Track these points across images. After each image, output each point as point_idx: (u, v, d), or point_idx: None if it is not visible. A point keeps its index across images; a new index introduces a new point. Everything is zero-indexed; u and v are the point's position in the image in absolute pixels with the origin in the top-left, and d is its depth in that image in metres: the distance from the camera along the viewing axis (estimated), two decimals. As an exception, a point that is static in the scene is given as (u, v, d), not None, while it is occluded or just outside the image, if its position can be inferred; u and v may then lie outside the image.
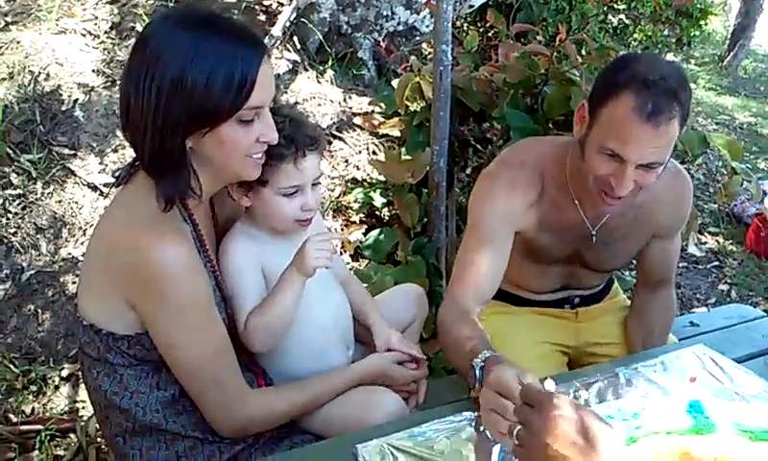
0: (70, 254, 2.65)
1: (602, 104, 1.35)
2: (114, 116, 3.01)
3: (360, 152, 3.47)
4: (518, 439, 0.96)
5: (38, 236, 2.66)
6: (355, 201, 3.21)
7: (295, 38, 3.84)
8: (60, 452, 2.16)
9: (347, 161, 3.41)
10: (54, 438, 2.18)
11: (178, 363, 1.23)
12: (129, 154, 2.60)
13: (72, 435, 2.20)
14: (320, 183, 1.40)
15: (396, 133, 3.42)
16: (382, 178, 3.21)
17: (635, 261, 1.79)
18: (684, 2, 5.11)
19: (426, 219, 2.89)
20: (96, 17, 3.47)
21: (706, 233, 4.47)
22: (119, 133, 2.88)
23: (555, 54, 2.68)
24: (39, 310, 2.51)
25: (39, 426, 2.18)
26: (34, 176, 2.78)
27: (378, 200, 3.16)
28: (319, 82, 3.74)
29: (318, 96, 3.62)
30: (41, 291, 2.55)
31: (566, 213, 1.57)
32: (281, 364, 1.43)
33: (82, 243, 2.69)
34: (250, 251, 1.36)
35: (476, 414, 1.18)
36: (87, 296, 1.24)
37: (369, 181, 3.33)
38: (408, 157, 2.98)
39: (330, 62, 3.88)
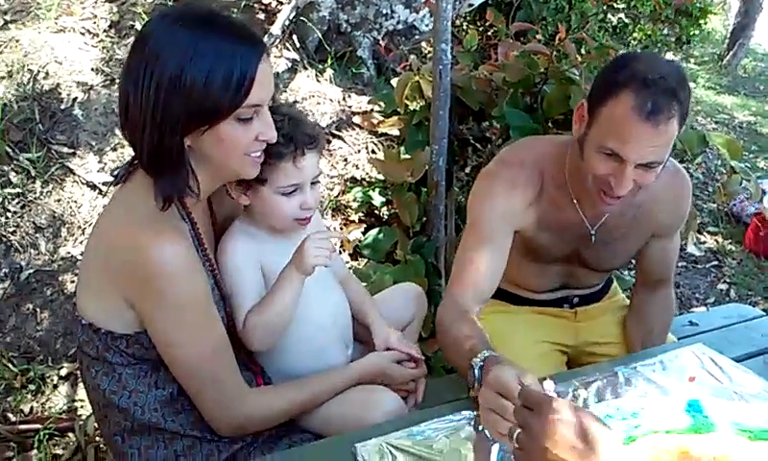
0: (69, 253, 2.65)
1: (601, 103, 1.35)
2: (113, 115, 3.01)
3: (359, 151, 3.47)
4: (518, 442, 0.97)
5: (37, 235, 2.66)
6: (354, 200, 3.21)
7: (294, 37, 3.83)
8: (59, 451, 2.16)
9: (346, 160, 3.41)
10: (52, 437, 2.18)
11: (176, 362, 1.22)
12: (128, 152, 2.60)
13: (71, 434, 2.20)
14: (319, 182, 1.40)
15: (396, 131, 3.42)
16: (381, 177, 3.21)
17: (634, 261, 1.79)
18: (683, 1, 5.11)
19: (425, 218, 2.89)
20: (95, 16, 3.46)
21: (705, 233, 4.47)
22: (118, 131, 2.87)
23: (554, 53, 2.68)
24: (38, 309, 2.51)
25: (38, 426, 2.18)
26: (33, 175, 2.78)
27: (377, 199, 3.16)
28: (318, 80, 3.74)
29: (317, 95, 3.62)
30: (40, 290, 2.55)
31: (565, 212, 1.57)
32: (280, 363, 1.43)
33: (81, 242, 2.68)
34: (248, 249, 1.36)
35: (475, 413, 1.18)
36: (86, 295, 1.24)
37: (368, 180, 3.33)
38: (407, 157, 2.98)
39: (330, 61, 3.88)
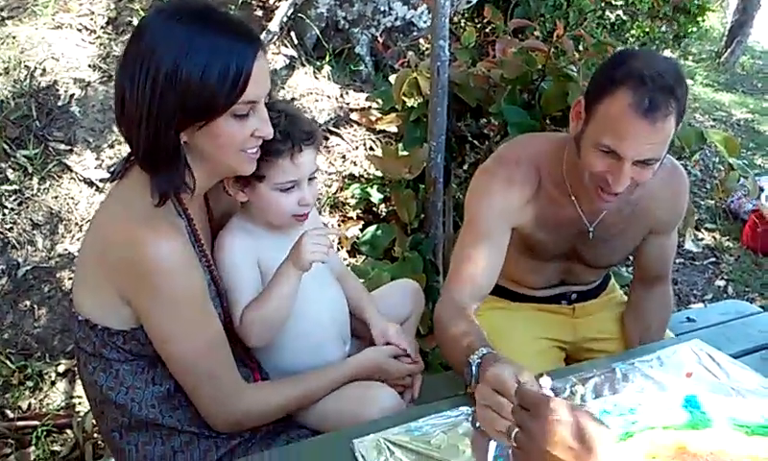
0: (66, 249, 2.65)
1: (598, 100, 1.35)
2: (111, 112, 3.01)
3: (357, 147, 3.47)
4: (516, 441, 0.97)
5: (34, 232, 2.66)
6: (352, 197, 3.21)
7: (292, 34, 3.83)
8: (57, 448, 2.16)
9: (344, 157, 3.41)
10: (50, 434, 2.18)
11: (172, 358, 1.22)
12: (125, 149, 2.61)
13: (68, 431, 2.20)
14: (315, 178, 1.40)
15: (394, 128, 3.42)
16: (379, 173, 3.21)
17: (631, 257, 1.79)
18: (681, -2, 5.11)
19: (423, 215, 2.89)
20: (92, 12, 3.46)
21: (702, 230, 4.48)
22: (115, 128, 2.87)
23: (552, 50, 2.67)
24: (36, 306, 2.50)
25: (36, 422, 2.18)
26: (30, 171, 2.77)
27: (375, 196, 3.16)
28: (316, 77, 3.74)
29: (315, 92, 3.61)
30: (37, 287, 2.55)
31: (563, 209, 1.57)
32: (277, 359, 1.43)
33: (78, 239, 2.68)
34: (246, 245, 1.36)
35: (473, 409, 1.18)
36: (83, 291, 1.24)
37: (366, 176, 3.33)
38: (405, 153, 2.98)
39: (327, 58, 3.87)
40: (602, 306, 1.86)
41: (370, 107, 3.62)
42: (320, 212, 3.10)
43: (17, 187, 2.72)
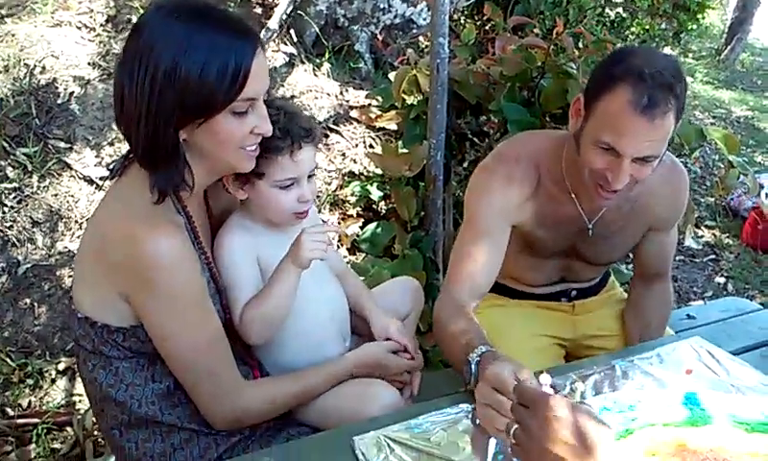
0: (66, 247, 2.65)
1: (597, 97, 1.35)
2: (110, 109, 3.00)
3: (357, 145, 3.46)
4: (516, 438, 0.98)
5: (34, 230, 2.66)
6: (352, 194, 3.21)
7: (291, 31, 3.82)
8: (57, 446, 2.16)
9: (343, 155, 3.41)
10: (50, 431, 2.18)
11: (171, 355, 1.22)
12: (125, 147, 2.61)
13: (69, 428, 2.21)
14: (315, 175, 1.40)
15: (393, 126, 3.42)
16: (379, 171, 3.21)
17: (631, 254, 1.79)
18: (681, -5, 5.11)
19: (423, 212, 2.89)
20: (92, 10, 3.45)
21: (702, 227, 4.48)
22: (115, 126, 2.87)
23: (552, 47, 2.67)
24: (36, 304, 2.50)
25: (36, 420, 2.18)
26: (29, 169, 2.77)
27: (375, 193, 3.16)
28: (315, 75, 3.73)
29: (314, 89, 3.61)
30: (37, 285, 2.55)
31: (563, 207, 1.57)
32: (278, 357, 1.43)
33: (78, 237, 2.68)
34: (245, 243, 1.36)
35: (473, 406, 1.18)
36: (82, 288, 1.24)
37: (366, 174, 3.33)
38: (405, 151, 2.98)
39: (327, 55, 3.87)
40: (602, 304, 1.86)
41: (369, 104, 3.62)
42: (320, 210, 3.10)
43: (17, 185, 2.72)
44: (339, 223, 3.10)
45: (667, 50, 6.62)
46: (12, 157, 2.78)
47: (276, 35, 3.67)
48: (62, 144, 2.89)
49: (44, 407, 2.27)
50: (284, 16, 3.73)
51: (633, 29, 5.95)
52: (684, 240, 4.00)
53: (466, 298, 1.47)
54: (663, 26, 6.17)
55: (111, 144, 2.95)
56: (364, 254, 2.93)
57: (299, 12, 3.82)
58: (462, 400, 1.22)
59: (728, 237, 4.41)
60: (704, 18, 6.72)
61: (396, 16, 4.10)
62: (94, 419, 1.94)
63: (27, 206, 2.69)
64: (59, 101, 3.00)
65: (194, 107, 1.12)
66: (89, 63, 3.17)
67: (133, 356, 1.25)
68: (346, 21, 3.98)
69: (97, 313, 1.21)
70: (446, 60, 2.63)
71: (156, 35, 1.10)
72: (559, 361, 1.75)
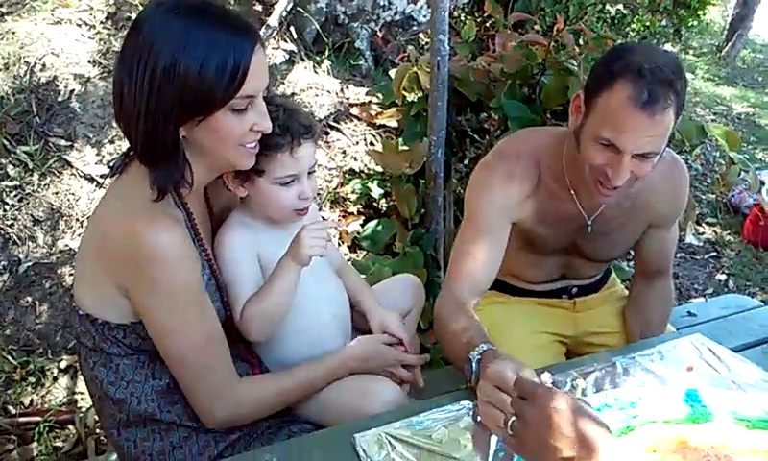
0: (67, 245, 2.65)
1: (597, 93, 1.35)
2: (110, 107, 2.99)
3: (357, 143, 3.46)
4: (512, 430, 0.98)
5: (35, 228, 2.66)
6: (353, 192, 3.21)
7: (291, 28, 3.82)
8: (59, 444, 2.16)
9: (344, 152, 3.41)
10: (53, 429, 2.18)
11: (170, 352, 1.22)
12: (125, 145, 2.61)
13: (71, 426, 2.21)
14: (315, 172, 1.40)
15: (394, 123, 3.42)
16: (380, 168, 3.21)
17: (632, 251, 1.79)
18: (682, -9, 5.10)
19: (424, 210, 2.89)
20: (91, 7, 3.45)
21: (703, 224, 4.48)
22: (115, 123, 2.87)
23: (552, 44, 2.67)
24: (37, 302, 2.51)
25: (38, 418, 2.18)
26: (30, 167, 2.77)
27: (376, 191, 3.16)
28: (316, 72, 3.73)
29: (315, 86, 3.61)
30: (39, 283, 2.55)
31: (563, 204, 1.57)
32: (278, 354, 1.43)
33: (79, 234, 2.68)
34: (246, 240, 1.36)
35: (474, 403, 1.18)
36: (82, 285, 1.24)
37: (366, 171, 3.33)
38: (405, 148, 2.98)
39: (327, 53, 3.86)
40: (603, 301, 1.86)
41: (370, 101, 3.62)
42: (320, 208, 3.10)
43: (18, 183, 2.72)
44: (339, 220, 3.10)
45: (668, 47, 6.62)
46: (12, 155, 2.78)
47: (275, 32, 3.67)
48: (63, 142, 2.89)
49: (46, 405, 2.27)
50: (284, 13, 3.73)
51: (633, 25, 5.95)
52: (685, 237, 4.01)
53: (466, 295, 1.48)
54: (664, 22, 6.16)
55: (112, 142, 2.95)
56: (365, 252, 2.93)
57: (299, 8, 3.82)
58: (463, 398, 1.22)
59: (729, 234, 4.41)
60: (704, 15, 6.71)
61: (396, 13, 4.10)
62: (96, 416, 1.94)
63: (28, 204, 2.69)
64: (59, 99, 3.00)
65: (193, 103, 1.11)
66: (89, 61, 3.17)
67: (134, 353, 1.25)
68: (346, 18, 3.98)
69: (98, 310, 1.21)
70: (447, 57, 2.63)
71: (156, 31, 1.10)
72: (560, 358, 1.75)
